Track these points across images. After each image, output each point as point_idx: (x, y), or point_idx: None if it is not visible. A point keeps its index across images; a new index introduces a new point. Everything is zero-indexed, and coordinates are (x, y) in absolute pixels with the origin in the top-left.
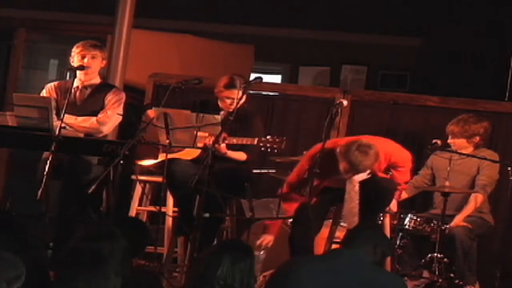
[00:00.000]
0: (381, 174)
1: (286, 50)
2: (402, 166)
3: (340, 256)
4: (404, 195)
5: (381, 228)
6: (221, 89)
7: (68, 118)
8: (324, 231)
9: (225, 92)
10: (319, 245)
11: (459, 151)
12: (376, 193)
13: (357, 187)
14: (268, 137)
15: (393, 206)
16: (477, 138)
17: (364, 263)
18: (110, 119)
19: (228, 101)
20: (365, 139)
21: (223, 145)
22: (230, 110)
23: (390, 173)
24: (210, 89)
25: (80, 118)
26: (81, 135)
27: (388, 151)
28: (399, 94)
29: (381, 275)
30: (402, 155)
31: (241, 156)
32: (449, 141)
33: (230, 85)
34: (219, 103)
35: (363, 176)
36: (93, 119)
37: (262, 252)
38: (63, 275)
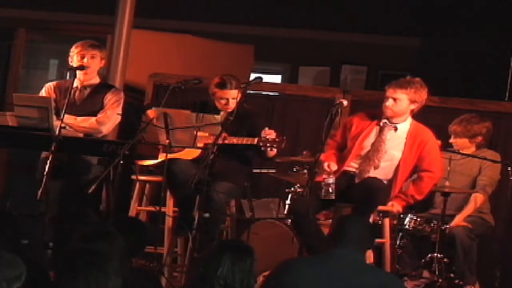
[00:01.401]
0: (407, 160)
1: (286, 50)
2: (426, 172)
3: (336, 257)
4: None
5: (369, 226)
6: (213, 91)
7: (68, 118)
8: (325, 231)
9: (218, 93)
10: None
11: (461, 151)
12: (366, 192)
13: (384, 139)
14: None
15: (396, 208)
16: (480, 138)
17: (361, 263)
18: (109, 119)
19: (223, 101)
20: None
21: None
22: (228, 110)
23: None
24: None
25: (79, 118)
26: (81, 135)
27: (429, 140)
28: None
29: (378, 275)
30: (436, 161)
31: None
32: (451, 140)
33: (221, 85)
34: (216, 104)
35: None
36: (93, 119)
37: (331, 176)
38: (63, 276)
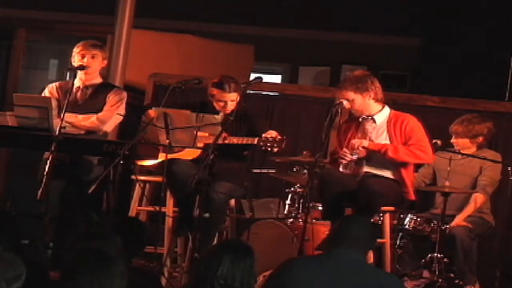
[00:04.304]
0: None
1: (286, 50)
2: (418, 145)
3: (337, 257)
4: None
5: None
6: (212, 92)
7: (69, 117)
8: (325, 231)
9: (217, 95)
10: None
11: (462, 151)
12: (366, 197)
13: (367, 132)
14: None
15: (411, 196)
16: (481, 138)
17: (361, 264)
18: (110, 117)
19: (221, 103)
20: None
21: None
22: (226, 112)
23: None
24: None
25: (80, 116)
26: (82, 132)
27: (409, 120)
28: (399, 94)
29: (379, 276)
30: (425, 140)
31: None
32: (452, 140)
33: (219, 86)
34: (214, 105)
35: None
36: (93, 117)
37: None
38: (69, 276)
